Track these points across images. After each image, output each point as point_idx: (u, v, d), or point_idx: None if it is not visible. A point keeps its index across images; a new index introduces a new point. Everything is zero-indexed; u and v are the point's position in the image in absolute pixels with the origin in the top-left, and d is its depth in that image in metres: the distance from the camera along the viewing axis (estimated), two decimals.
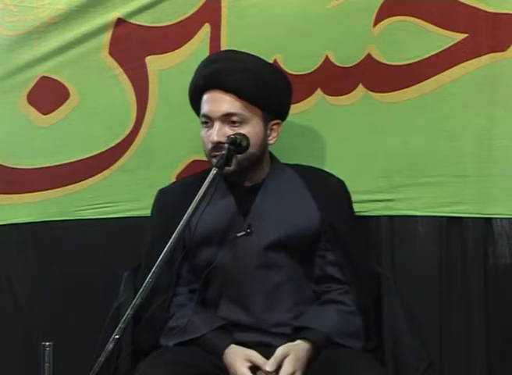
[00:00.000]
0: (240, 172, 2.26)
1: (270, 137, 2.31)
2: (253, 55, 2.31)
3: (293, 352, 2.13)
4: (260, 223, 2.26)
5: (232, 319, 2.24)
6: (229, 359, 2.14)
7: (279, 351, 2.13)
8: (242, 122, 2.25)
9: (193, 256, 2.29)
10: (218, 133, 2.24)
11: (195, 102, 2.34)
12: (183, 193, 2.28)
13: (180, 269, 2.28)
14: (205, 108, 2.27)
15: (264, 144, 2.30)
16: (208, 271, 2.24)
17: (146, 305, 2.15)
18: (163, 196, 2.40)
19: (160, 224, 2.32)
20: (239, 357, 2.13)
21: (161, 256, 2.05)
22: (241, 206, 2.30)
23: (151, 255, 2.20)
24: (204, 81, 2.29)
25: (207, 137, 2.27)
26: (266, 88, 2.27)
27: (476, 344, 2.52)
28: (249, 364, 2.11)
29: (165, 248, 2.06)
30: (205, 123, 2.28)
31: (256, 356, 2.13)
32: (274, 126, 2.32)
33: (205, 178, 2.16)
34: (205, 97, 2.28)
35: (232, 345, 2.16)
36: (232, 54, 2.34)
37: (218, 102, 2.25)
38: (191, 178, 2.41)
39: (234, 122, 2.24)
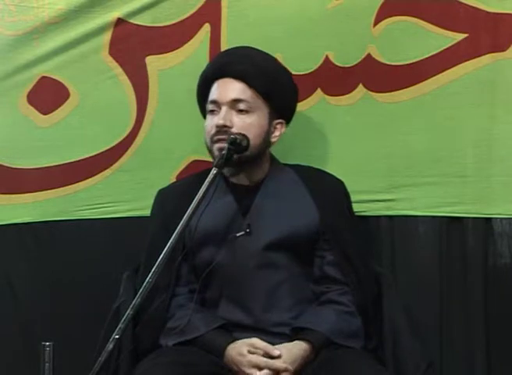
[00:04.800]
0: (240, 164, 2.26)
1: (272, 135, 2.33)
2: (266, 53, 2.36)
3: (285, 350, 2.13)
4: (259, 223, 2.27)
5: (231, 318, 2.24)
6: (232, 355, 2.14)
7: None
8: (248, 111, 2.27)
9: (193, 256, 2.29)
10: (225, 116, 2.25)
11: (203, 93, 2.35)
12: (183, 193, 2.29)
13: (180, 270, 2.28)
14: (214, 94, 2.30)
15: (266, 140, 2.31)
16: (208, 271, 2.24)
17: (146, 306, 2.15)
18: (163, 196, 2.40)
19: (160, 224, 2.32)
20: (243, 346, 2.13)
21: (160, 257, 2.05)
22: (241, 206, 2.30)
23: (151, 255, 2.20)
24: (214, 70, 2.33)
25: (211, 123, 2.28)
26: (274, 81, 2.30)
27: (476, 344, 2.52)
28: (255, 352, 2.13)
29: (165, 249, 2.06)
30: (211, 111, 2.30)
31: (258, 342, 2.14)
32: (277, 125, 2.33)
33: (205, 178, 2.16)
34: (215, 85, 2.31)
35: (232, 344, 2.16)
36: (245, 48, 2.38)
37: (227, 88, 2.28)
38: (191, 178, 2.41)
39: (241, 110, 2.26)
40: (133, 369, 2.15)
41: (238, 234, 2.25)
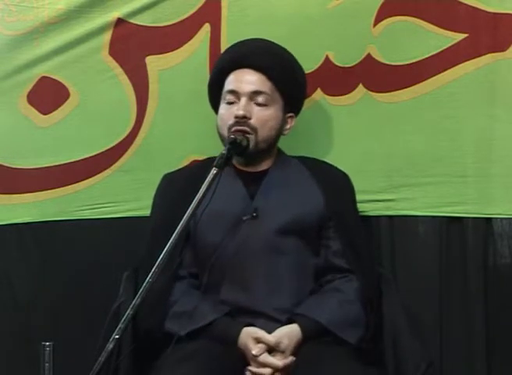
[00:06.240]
0: (256, 153, 2.28)
1: (284, 128, 2.36)
2: (280, 45, 2.38)
3: (287, 341, 2.16)
4: (265, 207, 2.27)
5: (233, 301, 2.23)
6: (242, 344, 2.16)
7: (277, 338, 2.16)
8: (267, 104, 2.30)
9: (198, 240, 2.29)
10: (246, 107, 2.27)
11: (217, 84, 2.35)
12: (190, 178, 2.30)
13: (183, 253, 2.27)
14: (233, 84, 2.31)
15: (279, 132, 2.34)
16: (217, 255, 2.23)
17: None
18: (169, 180, 2.41)
19: (165, 207, 2.33)
20: (248, 339, 2.15)
21: (164, 251, 2.04)
22: (248, 190, 2.31)
23: (155, 238, 2.23)
24: (233, 60, 2.34)
25: (229, 113, 2.29)
26: (291, 74, 2.35)
27: (476, 344, 2.52)
28: (260, 345, 2.14)
29: (169, 242, 2.05)
30: (228, 101, 2.31)
31: (264, 336, 2.15)
32: (288, 119, 2.37)
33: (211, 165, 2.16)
34: (232, 75, 2.32)
35: (244, 329, 2.17)
36: (261, 40, 2.40)
37: (247, 79, 2.30)
38: (198, 164, 2.43)
39: (259, 103, 2.29)
40: (134, 370, 2.16)
41: (244, 218, 2.25)
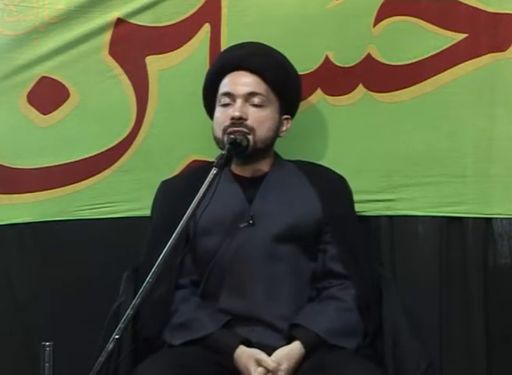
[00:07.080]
0: (254, 153, 2.28)
1: (280, 130, 2.36)
2: (274, 48, 2.39)
3: (286, 363, 2.14)
4: (263, 213, 2.27)
5: (232, 309, 2.23)
6: (241, 363, 2.14)
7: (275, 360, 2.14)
8: (263, 105, 2.30)
9: (197, 246, 2.29)
10: (241, 109, 2.27)
11: (212, 86, 2.36)
12: (188, 182, 2.30)
13: (183, 260, 2.27)
14: (228, 86, 2.32)
15: (276, 134, 2.34)
16: (212, 262, 2.23)
17: (148, 295, 2.13)
18: (167, 186, 2.41)
19: (164, 212, 2.33)
20: (250, 360, 2.13)
21: (164, 251, 2.05)
22: (246, 196, 2.31)
23: (155, 238, 2.23)
24: (228, 63, 2.34)
25: (225, 115, 2.29)
26: (287, 76, 2.35)
27: (476, 344, 2.52)
28: (261, 368, 2.12)
29: (167, 245, 2.05)
30: (224, 104, 2.31)
31: (265, 359, 2.13)
32: (284, 121, 2.37)
33: (209, 170, 2.16)
34: (228, 78, 2.33)
35: (241, 347, 2.16)
36: (255, 42, 2.41)
37: (242, 81, 2.31)
38: (195, 169, 2.43)
39: (255, 104, 2.29)
40: (134, 370, 2.15)
41: (241, 226, 2.25)
